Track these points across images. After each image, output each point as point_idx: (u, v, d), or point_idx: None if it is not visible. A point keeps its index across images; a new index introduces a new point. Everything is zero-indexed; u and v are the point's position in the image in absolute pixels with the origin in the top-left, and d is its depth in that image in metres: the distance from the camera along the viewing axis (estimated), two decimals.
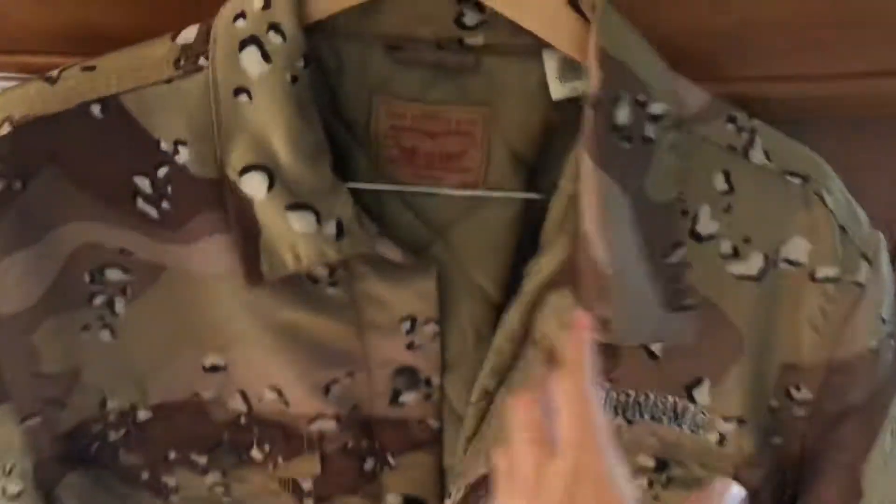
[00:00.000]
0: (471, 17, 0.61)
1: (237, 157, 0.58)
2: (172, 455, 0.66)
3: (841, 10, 0.65)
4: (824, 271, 0.62)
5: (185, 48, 0.60)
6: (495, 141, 0.64)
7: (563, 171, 0.61)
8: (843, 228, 0.62)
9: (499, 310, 0.65)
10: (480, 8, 0.60)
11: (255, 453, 0.66)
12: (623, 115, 0.57)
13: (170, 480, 0.67)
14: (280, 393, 0.65)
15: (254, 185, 0.58)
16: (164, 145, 0.59)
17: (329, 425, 0.65)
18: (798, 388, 0.64)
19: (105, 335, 0.63)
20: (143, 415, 0.65)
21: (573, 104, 0.61)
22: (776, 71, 0.67)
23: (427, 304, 0.63)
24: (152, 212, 0.61)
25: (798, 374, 0.64)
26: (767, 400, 0.65)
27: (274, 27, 0.57)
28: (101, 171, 0.60)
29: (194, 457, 0.66)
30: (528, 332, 0.63)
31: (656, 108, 0.59)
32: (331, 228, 0.59)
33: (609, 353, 0.61)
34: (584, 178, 0.58)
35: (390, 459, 0.67)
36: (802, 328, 0.63)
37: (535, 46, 0.61)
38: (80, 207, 0.60)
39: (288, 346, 0.63)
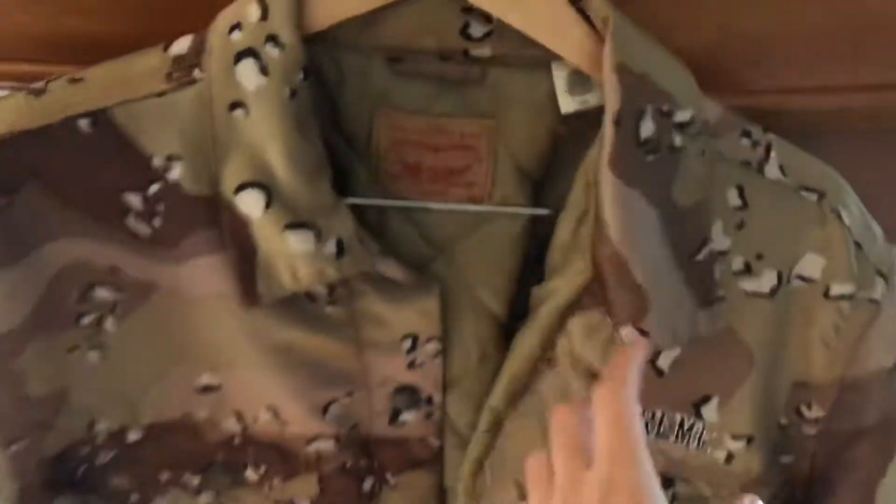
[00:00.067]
0: (477, 28, 0.58)
1: (232, 173, 0.56)
2: (164, 476, 0.64)
3: (854, 20, 0.64)
4: (839, 288, 0.61)
5: (178, 60, 0.57)
6: (501, 155, 0.62)
7: (570, 185, 0.59)
8: (858, 245, 0.61)
9: (503, 327, 0.64)
10: (487, 18, 0.58)
11: (250, 474, 0.65)
12: (648, 128, 0.56)
13: (161, 502, 0.65)
14: (277, 413, 0.63)
15: (250, 204, 0.56)
16: (156, 161, 0.57)
17: (327, 445, 0.64)
18: (809, 407, 0.63)
19: (93, 356, 0.61)
20: (133, 436, 0.63)
21: (581, 117, 0.60)
22: (788, 83, 0.66)
23: (429, 323, 0.61)
24: (143, 229, 0.58)
25: (809, 392, 0.63)
26: (777, 418, 0.64)
27: (272, 39, 0.55)
28: (89, 188, 0.57)
29: (187, 477, 0.64)
30: (543, 355, 0.61)
31: (682, 115, 0.57)
32: (331, 247, 0.56)
33: None
34: (609, 197, 0.56)
35: (390, 479, 0.65)
36: (814, 346, 0.62)
37: (544, 58, 0.59)
38: (67, 224, 0.58)
39: (285, 367, 0.61)
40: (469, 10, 0.58)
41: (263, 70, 0.55)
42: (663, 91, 0.56)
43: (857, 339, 0.62)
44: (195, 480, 0.64)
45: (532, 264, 0.63)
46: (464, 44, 0.59)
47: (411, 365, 0.62)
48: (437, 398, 0.63)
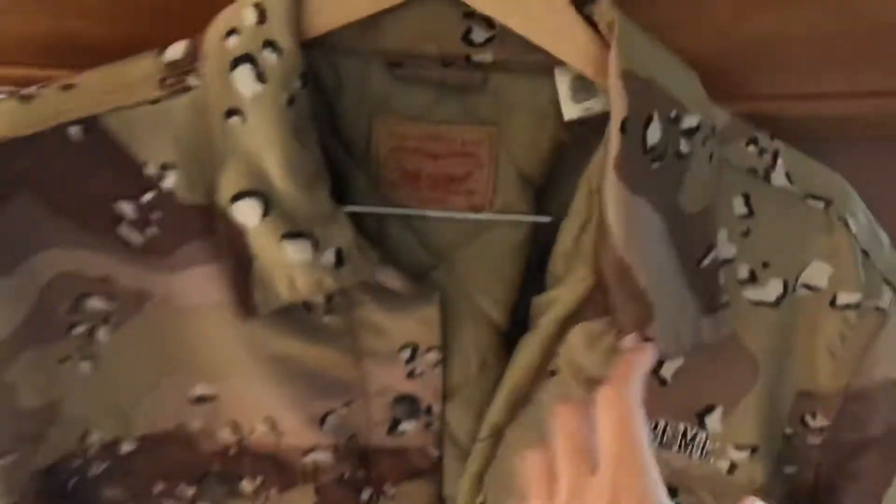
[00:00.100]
0: (479, 34, 0.57)
1: (228, 182, 0.55)
2: (158, 487, 0.63)
3: (857, 26, 0.63)
4: (845, 297, 0.60)
5: (172, 65, 0.56)
6: (502, 161, 0.61)
7: (573, 192, 0.58)
8: (865, 253, 0.60)
9: (504, 336, 0.63)
10: (489, 23, 0.57)
11: (246, 485, 0.64)
12: (654, 135, 0.55)
13: None
14: (273, 425, 0.62)
15: (246, 213, 0.55)
16: (150, 170, 0.56)
17: (325, 456, 0.63)
18: (814, 416, 0.63)
19: (85, 366, 0.60)
20: (126, 447, 0.62)
21: (584, 123, 0.59)
22: (790, 89, 0.65)
23: (429, 332, 0.60)
24: (137, 239, 0.57)
25: (814, 401, 0.63)
26: (781, 427, 0.63)
27: (269, 44, 0.53)
28: (81, 196, 0.56)
29: (181, 488, 0.63)
30: (543, 366, 0.60)
31: (690, 121, 0.56)
32: (329, 257, 0.55)
33: None
34: (613, 203, 0.55)
35: (388, 489, 0.64)
36: (820, 355, 0.62)
37: (546, 64, 0.58)
38: (57, 234, 0.56)
39: (281, 378, 0.60)
40: (471, 14, 0.57)
41: (260, 76, 0.53)
42: (670, 96, 0.55)
43: (864, 348, 0.61)
44: (190, 491, 0.63)
45: (533, 272, 0.62)
46: (465, 49, 0.58)
47: (411, 374, 0.61)
48: (436, 408, 0.62)
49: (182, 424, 0.62)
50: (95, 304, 0.58)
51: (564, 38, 0.56)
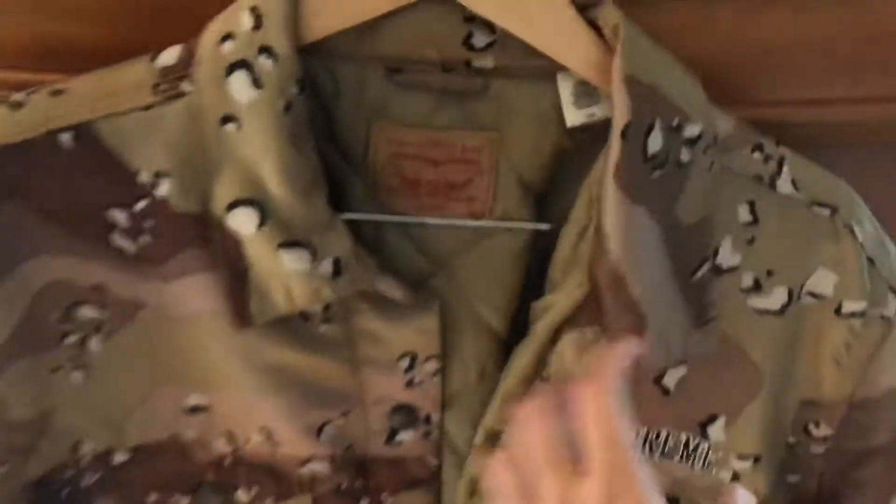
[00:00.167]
0: (480, 39, 0.56)
1: (224, 190, 0.54)
2: (152, 498, 0.62)
3: (862, 31, 0.63)
4: (850, 305, 0.60)
5: (166, 71, 0.54)
6: (503, 168, 0.60)
7: (573, 199, 0.57)
8: (871, 261, 0.60)
9: (504, 344, 0.62)
10: (490, 28, 0.56)
11: (241, 495, 0.63)
12: (656, 143, 0.54)
13: None
14: (269, 435, 0.61)
15: (242, 221, 0.54)
16: (143, 177, 0.54)
17: (321, 467, 0.62)
18: (817, 425, 0.62)
19: (77, 376, 0.59)
20: (119, 457, 0.61)
21: (586, 130, 0.58)
22: (797, 95, 0.64)
23: (429, 341, 0.60)
24: (129, 247, 0.56)
25: (818, 410, 0.62)
26: (785, 436, 0.63)
27: (265, 50, 0.52)
28: (72, 204, 0.55)
29: (176, 499, 0.62)
30: (538, 373, 0.59)
31: (692, 129, 0.55)
32: (327, 266, 0.54)
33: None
34: (611, 211, 0.54)
35: (386, 500, 0.63)
36: (824, 363, 0.61)
37: (549, 69, 0.57)
38: (49, 241, 0.55)
39: (278, 388, 0.59)
40: (471, 19, 0.55)
41: (256, 83, 0.52)
42: (673, 104, 0.54)
43: (869, 357, 0.60)
44: (184, 502, 0.62)
45: (534, 279, 0.61)
46: (466, 54, 0.56)
47: (409, 384, 0.60)
48: (435, 417, 0.62)
49: (176, 434, 0.61)
50: (87, 312, 0.57)
51: (567, 43, 0.55)
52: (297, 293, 0.55)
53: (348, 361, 0.59)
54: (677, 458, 0.62)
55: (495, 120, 0.59)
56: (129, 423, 0.60)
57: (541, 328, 0.58)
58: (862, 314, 0.60)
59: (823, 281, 0.59)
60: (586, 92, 0.57)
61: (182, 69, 0.54)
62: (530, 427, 0.50)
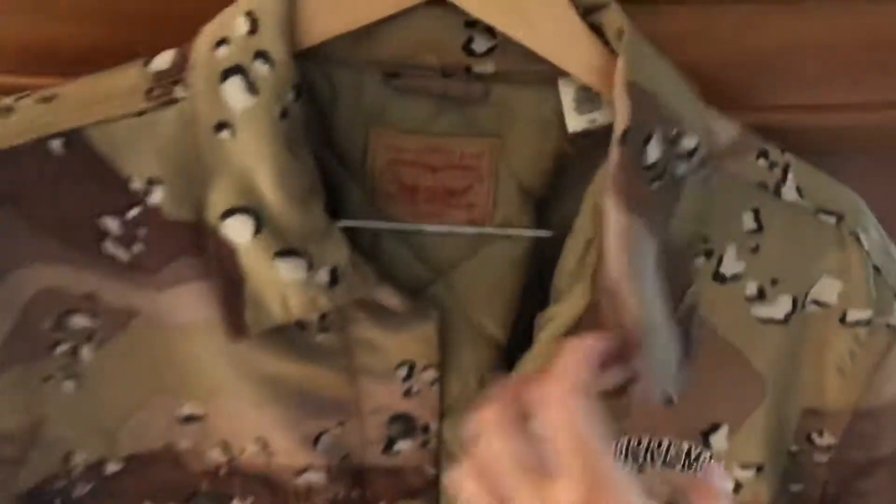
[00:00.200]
0: (480, 43, 0.55)
1: (218, 198, 0.53)
2: None
3: (866, 36, 0.62)
4: (856, 314, 0.59)
5: (159, 76, 0.53)
6: (503, 174, 0.58)
7: (576, 207, 0.56)
8: (877, 269, 0.59)
9: (504, 352, 0.61)
10: (491, 33, 0.54)
11: None
12: (654, 152, 0.53)
13: None
14: (265, 445, 0.60)
15: (237, 230, 0.53)
16: (135, 185, 0.53)
17: (318, 477, 0.61)
18: (820, 434, 0.61)
19: (69, 385, 0.58)
20: (112, 467, 0.60)
21: (588, 136, 0.57)
22: (800, 100, 0.63)
23: (427, 350, 0.59)
24: (122, 255, 0.55)
25: (821, 418, 0.61)
26: (787, 445, 0.62)
27: (261, 55, 0.51)
28: (63, 212, 0.54)
29: None
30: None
31: (688, 142, 0.54)
32: (323, 276, 0.53)
33: (622, 401, 0.56)
34: (611, 224, 0.53)
35: None
36: (828, 372, 0.60)
37: (550, 74, 0.56)
38: (40, 249, 0.54)
39: (273, 398, 0.58)
40: (472, 24, 0.54)
41: (252, 89, 0.51)
42: (671, 114, 0.53)
43: (874, 366, 0.59)
44: None
45: (534, 287, 0.60)
46: (466, 60, 0.55)
47: (407, 393, 0.60)
48: (433, 426, 0.61)
49: (170, 444, 0.60)
50: (79, 321, 0.57)
51: (569, 48, 0.54)
52: (294, 303, 0.54)
53: (345, 370, 0.59)
54: (679, 467, 0.61)
55: (495, 126, 0.58)
56: (122, 432, 0.59)
57: (544, 338, 0.57)
58: (867, 323, 0.59)
59: (828, 289, 0.59)
60: (588, 97, 0.55)
61: (176, 74, 0.53)
62: (493, 434, 0.48)
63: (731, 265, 0.58)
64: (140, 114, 0.53)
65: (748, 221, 0.57)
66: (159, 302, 0.56)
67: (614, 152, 0.52)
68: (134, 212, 0.54)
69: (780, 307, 0.59)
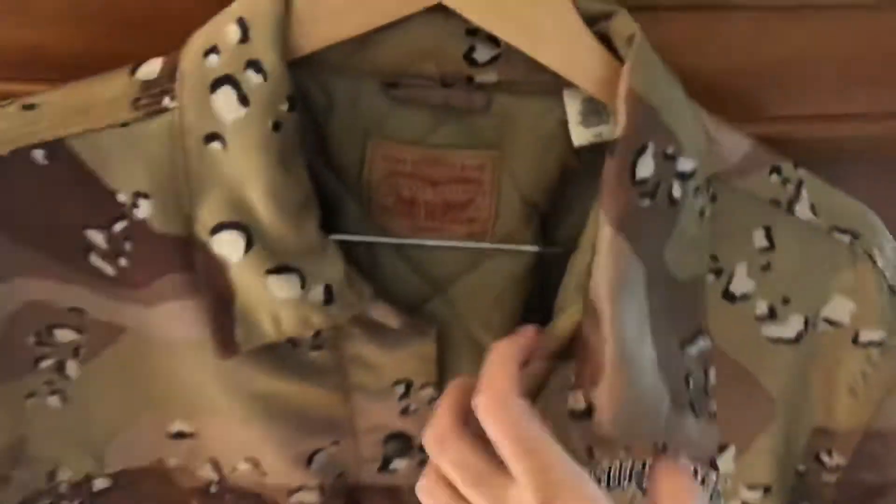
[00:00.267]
0: (482, 52, 0.52)
1: (208, 213, 0.51)
2: None
3: (880, 46, 0.61)
4: (868, 334, 0.57)
5: (147, 85, 0.51)
6: (505, 188, 0.56)
7: (582, 222, 0.54)
8: (892, 289, 0.57)
9: None
10: (494, 41, 0.52)
11: None
12: (647, 167, 0.50)
13: None
14: (256, 464, 0.58)
15: (228, 246, 0.51)
16: (122, 197, 0.51)
17: (311, 497, 0.60)
18: (829, 454, 0.60)
19: (54, 401, 0.56)
20: (100, 483, 0.59)
21: (594, 148, 0.54)
22: (815, 110, 0.62)
23: (425, 368, 0.57)
24: (108, 269, 0.53)
25: (830, 438, 0.60)
26: (795, 464, 0.61)
27: (253, 64, 0.49)
28: (46, 224, 0.52)
29: None
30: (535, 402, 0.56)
31: (686, 163, 0.52)
32: (317, 294, 0.51)
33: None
34: (601, 241, 0.50)
35: None
36: (839, 392, 0.59)
37: (555, 85, 0.53)
38: (21, 263, 0.53)
39: (265, 417, 0.57)
40: (473, 32, 0.52)
41: (243, 100, 0.49)
42: (671, 132, 0.51)
43: (886, 388, 0.58)
44: None
45: (536, 304, 0.57)
46: (468, 69, 0.53)
47: (404, 411, 0.58)
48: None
49: (160, 460, 0.59)
50: (65, 335, 0.55)
51: (575, 58, 0.51)
52: (286, 321, 0.52)
53: (339, 388, 0.57)
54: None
55: (497, 137, 0.55)
56: (110, 448, 0.58)
57: (538, 357, 0.55)
58: (880, 344, 0.57)
59: (841, 308, 0.57)
60: (595, 110, 0.53)
61: (164, 83, 0.51)
62: (447, 443, 0.48)
63: (740, 284, 0.56)
64: (126, 124, 0.51)
65: (759, 239, 0.55)
66: (148, 318, 0.54)
67: (607, 166, 0.50)
68: (120, 225, 0.52)
69: (791, 327, 0.57)
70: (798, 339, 0.57)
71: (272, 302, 0.51)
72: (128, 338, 0.55)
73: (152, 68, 0.51)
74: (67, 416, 0.56)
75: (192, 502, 0.60)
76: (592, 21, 0.52)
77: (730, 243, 0.55)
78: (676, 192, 0.51)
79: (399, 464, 0.59)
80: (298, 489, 0.59)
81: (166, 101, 0.50)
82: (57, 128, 0.51)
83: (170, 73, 0.51)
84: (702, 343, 0.54)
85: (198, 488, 0.60)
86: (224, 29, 0.50)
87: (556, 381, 0.54)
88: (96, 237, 0.52)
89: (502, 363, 0.49)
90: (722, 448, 0.59)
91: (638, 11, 0.52)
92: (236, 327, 0.52)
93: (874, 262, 0.56)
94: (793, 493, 0.61)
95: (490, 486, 0.46)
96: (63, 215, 0.52)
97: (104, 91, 0.51)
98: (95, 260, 0.53)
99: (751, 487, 0.60)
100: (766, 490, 0.60)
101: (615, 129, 0.50)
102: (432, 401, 0.57)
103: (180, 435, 0.58)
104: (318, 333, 0.55)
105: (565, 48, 0.51)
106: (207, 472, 0.59)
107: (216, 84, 0.49)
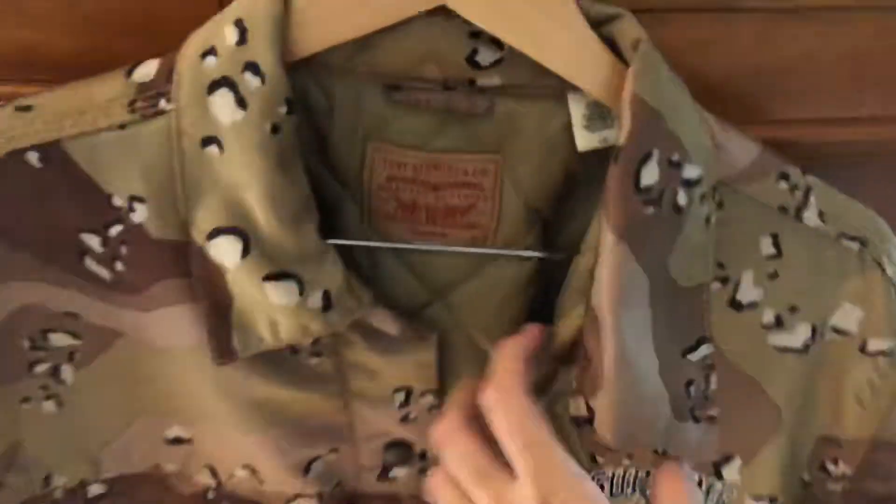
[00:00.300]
0: (486, 55, 0.51)
1: (205, 217, 0.50)
2: None
3: (890, 48, 0.60)
4: (877, 343, 0.56)
5: (143, 87, 0.50)
6: (508, 192, 0.55)
7: (585, 228, 0.53)
8: None
9: None
10: (497, 44, 0.51)
11: None
12: (651, 174, 0.49)
13: None
14: (253, 471, 0.58)
15: (225, 251, 0.50)
16: (117, 201, 0.51)
17: None
18: (835, 463, 0.59)
19: (49, 406, 0.56)
20: (95, 489, 0.59)
21: (597, 153, 0.53)
22: (823, 113, 0.62)
23: (426, 375, 0.56)
24: (104, 273, 0.52)
25: (836, 448, 0.59)
26: (800, 474, 0.60)
27: (251, 67, 0.48)
28: (41, 228, 0.51)
29: None
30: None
31: (691, 171, 0.51)
32: (316, 300, 0.50)
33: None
34: (603, 249, 0.50)
35: None
36: (846, 401, 0.58)
37: (559, 88, 0.52)
38: (15, 267, 0.52)
39: (262, 425, 0.56)
40: (477, 34, 0.51)
41: (241, 102, 0.48)
42: (676, 138, 0.50)
43: (894, 398, 0.57)
44: None
45: (538, 310, 0.57)
46: (470, 72, 0.52)
47: (405, 419, 0.57)
48: (431, 453, 0.58)
49: (156, 466, 0.59)
50: (60, 339, 0.55)
51: (579, 61, 0.50)
52: (284, 328, 0.51)
53: (338, 396, 0.56)
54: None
55: (500, 142, 0.54)
56: (106, 454, 0.58)
57: (542, 357, 0.54)
58: (889, 353, 0.56)
59: (849, 317, 0.56)
60: (600, 114, 0.52)
61: (160, 85, 0.50)
62: (453, 442, 0.49)
63: (747, 292, 0.55)
64: (122, 126, 0.50)
65: (766, 246, 0.55)
66: (145, 322, 0.54)
67: (611, 172, 0.49)
68: (116, 229, 0.51)
69: (798, 336, 0.56)
70: (805, 347, 0.56)
71: (270, 309, 0.50)
72: (124, 342, 0.55)
73: (148, 70, 0.50)
74: (62, 421, 0.56)
75: None
76: (597, 24, 0.51)
77: (736, 251, 0.54)
78: (682, 199, 0.50)
79: (399, 472, 0.59)
80: (296, 497, 0.58)
81: (162, 104, 0.50)
82: (52, 130, 0.50)
83: (166, 75, 0.50)
84: (704, 350, 0.54)
85: (195, 494, 0.59)
86: (222, 30, 0.49)
87: (559, 384, 0.54)
88: (91, 241, 0.51)
89: (509, 360, 0.50)
90: (728, 458, 0.58)
91: (643, 14, 0.51)
92: (233, 334, 0.52)
93: (883, 270, 0.55)
94: (798, 502, 0.60)
95: (493, 482, 0.47)
96: (57, 218, 0.51)
97: (100, 93, 0.50)
98: (91, 264, 0.52)
99: (757, 498, 0.59)
100: (773, 501, 0.59)
101: (619, 134, 0.49)
102: (433, 408, 0.57)
103: (177, 441, 0.57)
104: (317, 340, 0.54)
105: (570, 51, 0.50)
106: (204, 479, 0.59)
107: (213, 86, 0.48)
